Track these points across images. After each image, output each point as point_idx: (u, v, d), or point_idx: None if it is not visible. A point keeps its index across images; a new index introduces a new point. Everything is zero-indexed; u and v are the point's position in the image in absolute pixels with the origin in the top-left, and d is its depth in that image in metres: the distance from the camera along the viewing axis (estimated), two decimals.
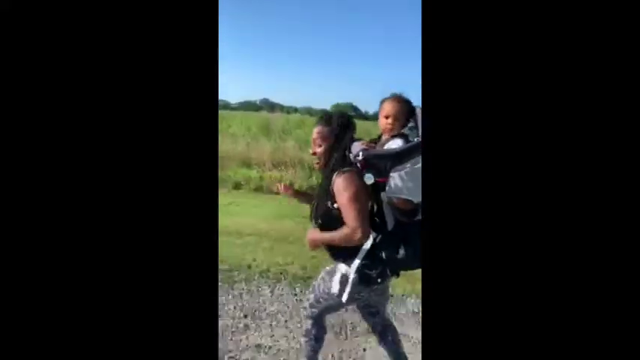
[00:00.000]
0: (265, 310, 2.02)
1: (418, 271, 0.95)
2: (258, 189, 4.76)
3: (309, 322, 1.32)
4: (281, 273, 2.46)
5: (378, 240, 1.11)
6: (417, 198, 1.00)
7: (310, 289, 1.33)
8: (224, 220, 3.52)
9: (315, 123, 1.21)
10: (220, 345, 1.70)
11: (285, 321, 1.92)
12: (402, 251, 1.08)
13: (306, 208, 1.30)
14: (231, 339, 1.75)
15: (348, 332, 1.86)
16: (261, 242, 3.00)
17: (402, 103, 1.16)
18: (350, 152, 1.12)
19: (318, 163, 1.20)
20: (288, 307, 2.05)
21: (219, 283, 2.27)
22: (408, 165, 1.00)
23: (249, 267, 2.53)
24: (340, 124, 1.16)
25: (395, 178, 1.02)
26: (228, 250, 2.80)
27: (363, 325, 1.76)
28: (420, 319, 1.95)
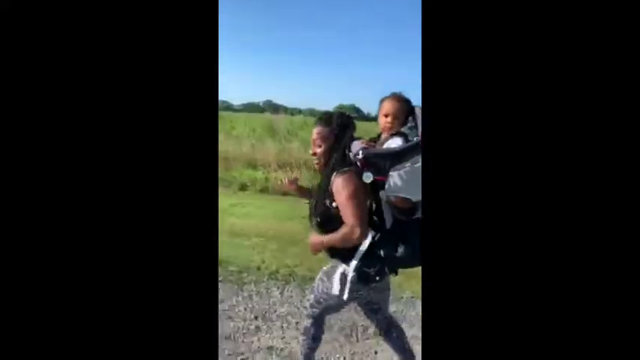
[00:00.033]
0: (276, 311, 2.01)
1: None
2: (264, 190, 4.76)
3: (309, 321, 1.33)
4: (290, 275, 2.46)
5: (376, 238, 1.11)
6: (415, 197, 1.02)
7: (310, 289, 1.34)
8: (231, 222, 3.53)
9: (315, 123, 1.20)
10: (232, 347, 1.70)
11: (296, 323, 1.91)
12: (400, 249, 1.09)
13: None
14: (243, 341, 1.74)
15: (359, 334, 1.85)
16: (269, 244, 3.00)
17: (402, 102, 1.17)
18: (350, 151, 1.13)
19: (318, 164, 1.20)
20: (298, 308, 2.04)
21: (229, 285, 2.28)
22: (408, 164, 1.01)
23: (259, 268, 2.53)
24: (340, 124, 1.16)
25: (394, 177, 1.02)
26: (236, 251, 2.81)
27: (374, 328, 1.75)
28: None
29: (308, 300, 1.32)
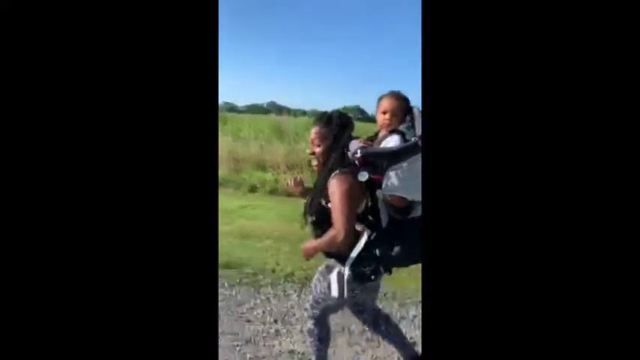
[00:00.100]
0: (294, 315, 1.99)
1: None
2: (274, 191, 4.75)
3: (311, 322, 1.33)
4: (306, 277, 2.43)
5: (372, 237, 1.11)
6: (411, 196, 1.05)
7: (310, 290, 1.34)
8: (242, 223, 3.52)
9: (313, 123, 1.20)
10: (253, 350, 1.68)
11: None
12: (395, 248, 1.09)
13: None
14: (264, 345, 1.72)
15: (381, 338, 1.83)
16: (282, 246, 2.98)
17: (400, 99, 1.18)
18: (348, 150, 1.12)
19: (317, 165, 1.19)
20: None
21: (245, 287, 2.26)
22: (405, 164, 1.02)
23: (274, 271, 2.51)
24: (339, 124, 1.16)
25: (391, 176, 1.03)
26: (250, 253, 2.79)
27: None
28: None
29: (308, 301, 1.32)
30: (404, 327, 1.93)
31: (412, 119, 1.13)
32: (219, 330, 1.81)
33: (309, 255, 1.20)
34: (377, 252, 1.10)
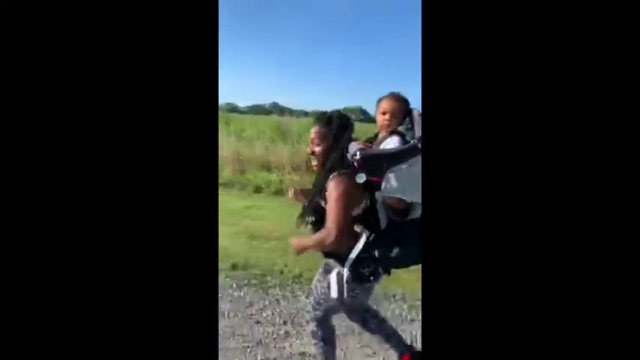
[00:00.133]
0: (304, 316, 1.97)
1: None
2: (279, 192, 4.74)
3: (314, 324, 1.33)
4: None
5: (371, 238, 1.11)
6: (410, 198, 1.06)
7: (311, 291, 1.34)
8: (247, 224, 3.51)
9: (313, 123, 1.20)
10: (263, 352, 1.67)
11: None
12: (394, 250, 1.10)
13: None
14: (275, 346, 1.71)
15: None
16: (289, 246, 2.96)
17: (400, 101, 1.18)
18: (347, 152, 1.12)
19: (316, 165, 1.18)
20: None
21: (254, 289, 2.25)
22: (404, 165, 1.03)
23: (282, 272, 2.50)
24: (339, 124, 1.15)
25: (390, 178, 1.04)
26: (257, 254, 2.78)
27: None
28: None
29: (310, 303, 1.32)
30: (414, 329, 1.92)
31: (411, 121, 1.13)
32: (230, 331, 1.80)
33: (299, 249, 1.21)
34: (376, 253, 1.11)
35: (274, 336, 1.79)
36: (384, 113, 1.18)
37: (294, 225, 1.29)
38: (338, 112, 1.21)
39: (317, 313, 1.30)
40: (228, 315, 1.94)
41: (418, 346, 1.49)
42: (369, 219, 1.13)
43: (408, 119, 1.15)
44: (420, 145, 1.03)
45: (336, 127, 1.15)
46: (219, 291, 2.19)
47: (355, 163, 1.07)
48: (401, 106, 1.17)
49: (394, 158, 1.05)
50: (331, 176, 1.10)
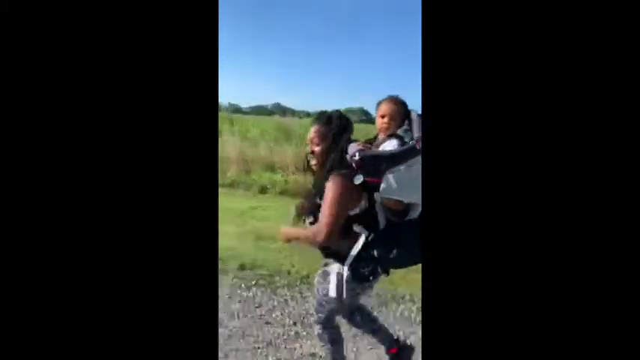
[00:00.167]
0: (313, 317, 1.97)
1: None
2: (284, 192, 4.74)
3: (318, 327, 1.32)
4: None
5: (370, 238, 1.12)
6: (408, 199, 1.07)
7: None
8: (253, 224, 3.51)
9: (313, 122, 1.20)
10: (274, 353, 1.66)
11: None
12: (393, 250, 1.11)
13: None
14: (285, 347, 1.71)
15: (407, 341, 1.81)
16: (295, 246, 2.96)
17: (398, 104, 1.19)
18: (346, 153, 1.12)
19: (315, 164, 1.18)
20: None
21: (262, 289, 2.25)
22: (402, 166, 1.03)
23: (289, 273, 2.49)
24: (339, 125, 1.15)
25: (389, 179, 1.04)
26: (264, 254, 2.78)
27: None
28: None
29: (313, 305, 1.33)
30: None
31: (410, 123, 1.14)
32: (241, 332, 1.80)
33: (283, 239, 1.24)
34: (375, 253, 1.11)
35: (284, 337, 1.78)
36: (382, 116, 1.19)
37: (300, 226, 1.28)
38: (338, 111, 1.21)
39: (320, 315, 1.30)
40: (238, 315, 1.94)
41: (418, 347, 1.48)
42: (368, 219, 1.13)
43: (406, 122, 1.15)
44: (418, 146, 1.04)
45: (336, 127, 1.15)
46: (229, 291, 2.20)
47: (354, 164, 1.07)
48: (399, 109, 1.18)
49: (393, 159, 1.05)
50: (330, 176, 1.09)
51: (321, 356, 1.66)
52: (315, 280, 1.29)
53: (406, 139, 1.10)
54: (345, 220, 1.11)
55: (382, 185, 1.05)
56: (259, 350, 1.68)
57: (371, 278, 1.17)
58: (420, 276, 1.26)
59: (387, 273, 1.20)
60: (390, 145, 1.10)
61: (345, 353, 1.39)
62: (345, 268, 1.14)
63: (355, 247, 1.12)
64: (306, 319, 1.94)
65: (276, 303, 2.09)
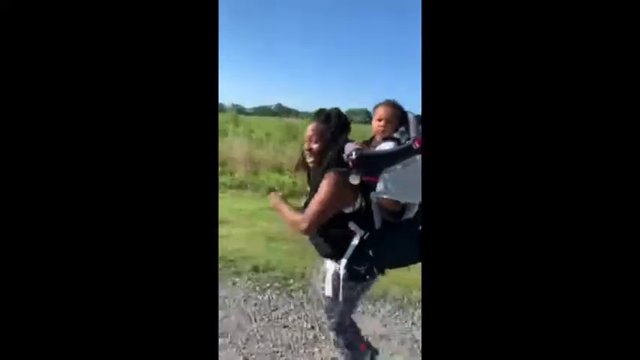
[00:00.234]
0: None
1: None
2: (292, 194, 4.72)
3: (332, 334, 1.31)
4: None
5: (365, 237, 1.12)
6: (404, 199, 1.08)
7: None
8: (263, 225, 3.49)
9: (312, 119, 1.19)
10: (294, 358, 1.64)
11: None
12: (389, 249, 1.12)
13: None
14: (305, 351, 1.69)
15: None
16: (308, 248, 2.94)
17: (395, 108, 1.21)
18: (343, 152, 1.12)
19: (312, 162, 1.18)
20: None
21: (277, 292, 2.23)
22: (399, 166, 1.03)
23: (303, 275, 2.47)
24: (337, 123, 1.16)
25: (384, 179, 1.04)
26: (277, 256, 2.76)
27: None
28: None
29: (323, 314, 1.32)
30: None
31: (407, 124, 1.14)
32: (259, 336, 1.78)
33: (272, 205, 1.29)
34: (370, 252, 1.12)
35: (303, 341, 1.76)
36: (379, 120, 1.20)
37: None
38: (336, 109, 1.21)
39: (332, 320, 1.28)
40: (255, 318, 1.92)
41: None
42: (364, 218, 1.13)
43: (403, 127, 1.16)
44: (414, 146, 1.04)
45: (335, 125, 1.15)
46: (244, 294, 2.18)
47: (350, 162, 1.07)
48: (396, 113, 1.20)
49: (389, 158, 1.05)
50: (326, 174, 1.10)
51: None
52: (319, 286, 1.28)
53: (402, 141, 1.11)
54: (341, 218, 1.12)
55: (378, 184, 1.05)
56: (278, 354, 1.65)
57: (367, 277, 1.16)
58: None
59: (383, 272, 1.20)
60: (386, 147, 1.10)
61: (364, 358, 1.36)
62: (342, 268, 1.14)
63: (351, 245, 1.12)
64: (323, 323, 1.92)
65: (292, 306, 2.06)
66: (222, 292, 2.16)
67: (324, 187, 1.08)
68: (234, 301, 2.09)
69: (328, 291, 1.19)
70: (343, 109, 1.24)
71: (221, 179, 5.14)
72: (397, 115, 1.19)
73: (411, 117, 1.15)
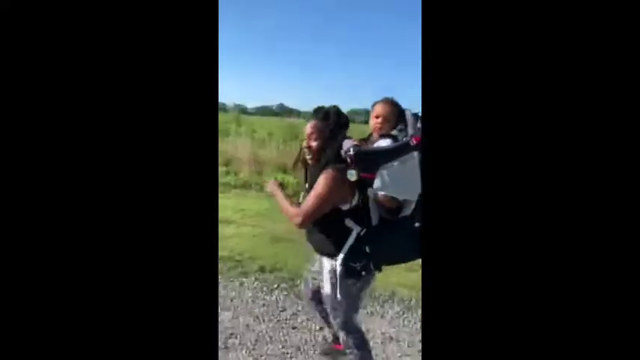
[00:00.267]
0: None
1: None
2: (297, 194, 4.71)
3: (341, 334, 1.31)
4: None
5: (362, 233, 1.13)
6: (401, 195, 1.08)
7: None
8: (269, 225, 3.48)
9: (311, 117, 1.20)
10: (305, 359, 1.63)
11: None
12: (386, 246, 1.13)
13: None
14: (314, 352, 1.68)
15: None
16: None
17: (392, 105, 1.22)
18: (341, 149, 1.14)
19: (311, 159, 1.19)
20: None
21: (285, 292, 2.22)
22: (396, 163, 1.04)
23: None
24: (336, 121, 1.17)
25: (382, 176, 1.05)
26: (283, 256, 2.76)
27: None
28: None
29: (329, 315, 1.31)
30: None
31: (405, 121, 1.15)
32: (268, 337, 1.77)
33: (269, 193, 1.31)
34: (367, 249, 1.12)
35: (312, 342, 1.76)
36: (377, 117, 1.21)
37: None
38: (335, 107, 1.22)
39: (339, 320, 1.28)
40: (263, 319, 1.92)
41: None
42: (361, 215, 1.13)
43: (401, 125, 1.17)
44: (412, 143, 1.04)
45: (333, 122, 1.16)
46: (251, 294, 2.17)
47: (348, 159, 1.08)
48: (393, 111, 1.20)
49: (387, 155, 1.06)
50: (324, 170, 1.11)
51: None
52: (319, 286, 1.28)
53: (400, 139, 1.11)
54: (338, 215, 1.13)
55: (375, 181, 1.06)
56: (288, 355, 1.65)
57: (363, 273, 1.17)
58: None
59: (380, 269, 1.20)
60: (384, 144, 1.11)
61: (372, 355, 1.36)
62: (338, 264, 1.14)
63: (347, 242, 1.13)
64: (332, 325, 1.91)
65: (300, 307, 2.06)
66: (230, 293, 2.16)
67: (322, 182, 1.08)
68: (242, 302, 2.08)
69: (327, 288, 1.20)
70: (345, 109, 1.25)
71: (225, 179, 5.14)
72: (395, 113, 1.19)
73: (408, 114, 1.15)
